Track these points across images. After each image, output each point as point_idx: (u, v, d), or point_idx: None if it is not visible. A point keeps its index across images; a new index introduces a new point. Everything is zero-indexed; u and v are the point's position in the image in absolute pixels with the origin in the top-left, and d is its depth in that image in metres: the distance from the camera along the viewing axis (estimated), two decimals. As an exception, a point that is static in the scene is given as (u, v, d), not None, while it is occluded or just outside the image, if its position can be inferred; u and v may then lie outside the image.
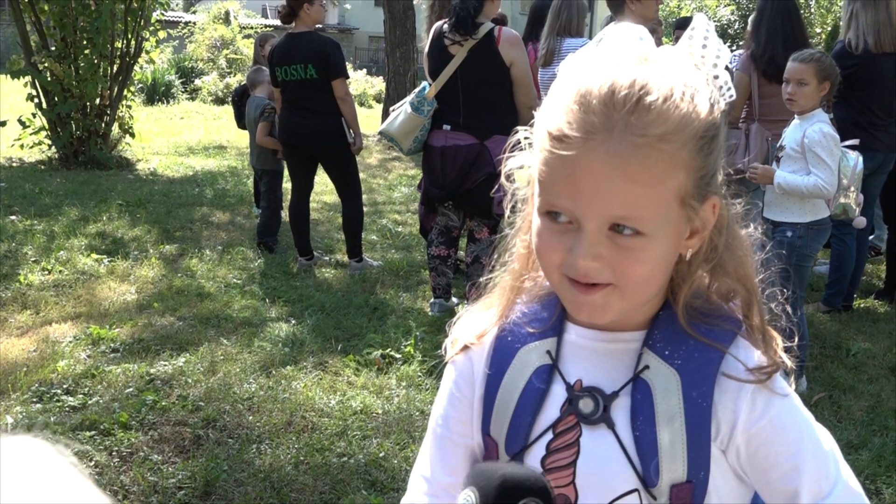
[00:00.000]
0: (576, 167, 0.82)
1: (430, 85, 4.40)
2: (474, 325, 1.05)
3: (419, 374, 3.79)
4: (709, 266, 0.94)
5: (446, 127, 4.37)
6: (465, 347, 1.05)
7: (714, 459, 0.90)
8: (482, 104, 4.32)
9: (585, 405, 0.93)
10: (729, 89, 0.93)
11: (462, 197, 4.42)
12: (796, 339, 0.96)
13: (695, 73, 0.89)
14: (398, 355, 3.98)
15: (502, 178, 1.01)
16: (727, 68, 0.95)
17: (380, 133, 4.64)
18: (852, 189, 3.64)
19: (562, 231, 0.87)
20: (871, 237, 5.62)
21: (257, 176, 6.63)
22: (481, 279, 1.09)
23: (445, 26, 4.36)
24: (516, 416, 0.97)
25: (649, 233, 0.84)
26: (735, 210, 0.95)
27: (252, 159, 6.47)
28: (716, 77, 0.92)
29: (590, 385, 0.94)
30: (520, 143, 1.00)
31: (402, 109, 4.44)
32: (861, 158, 3.70)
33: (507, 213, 1.03)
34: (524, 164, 0.98)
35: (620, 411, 0.92)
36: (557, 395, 0.96)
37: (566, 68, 0.89)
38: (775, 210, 3.67)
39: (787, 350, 0.94)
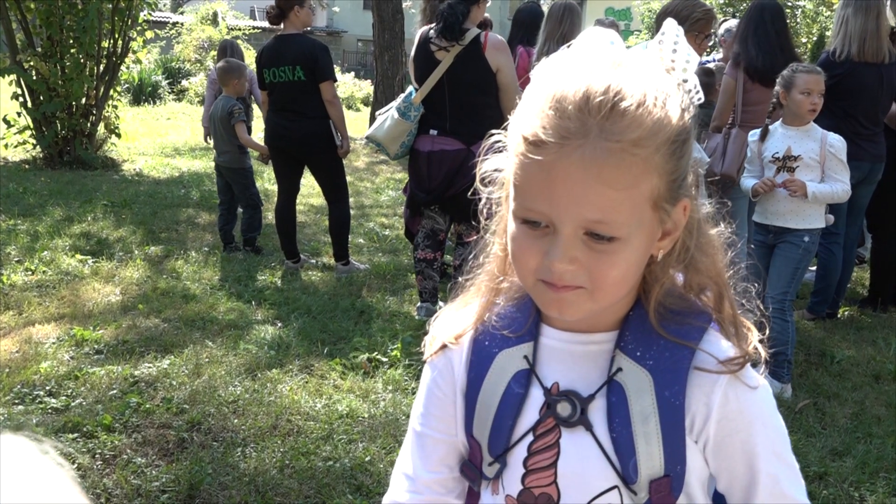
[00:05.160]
0: (552, 172, 0.83)
1: (416, 90, 4.40)
2: (452, 325, 1.07)
3: (405, 377, 3.78)
4: (681, 266, 0.96)
5: (433, 132, 4.37)
6: (444, 347, 1.06)
7: (690, 450, 0.93)
8: (468, 109, 4.33)
9: (563, 409, 0.95)
10: (698, 92, 0.96)
11: (448, 202, 4.42)
12: (766, 332, 0.98)
13: (666, 78, 0.90)
14: (384, 359, 3.97)
15: (477, 182, 1.01)
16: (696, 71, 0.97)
17: (366, 138, 4.63)
18: None
19: (538, 236, 0.88)
20: (859, 248, 5.65)
21: (223, 176, 6.13)
22: (459, 279, 1.10)
23: (432, 32, 4.36)
24: (497, 420, 0.99)
25: (623, 237, 0.85)
26: (705, 210, 0.98)
27: (219, 157, 6.08)
28: (685, 80, 0.94)
29: (566, 388, 0.96)
30: (495, 145, 1.01)
31: (389, 115, 4.44)
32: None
33: (483, 216, 1.04)
34: (499, 168, 0.99)
35: (597, 413, 0.94)
36: (536, 399, 0.98)
37: (540, 72, 0.90)
38: (792, 218, 3.78)
39: (759, 342, 0.96)
